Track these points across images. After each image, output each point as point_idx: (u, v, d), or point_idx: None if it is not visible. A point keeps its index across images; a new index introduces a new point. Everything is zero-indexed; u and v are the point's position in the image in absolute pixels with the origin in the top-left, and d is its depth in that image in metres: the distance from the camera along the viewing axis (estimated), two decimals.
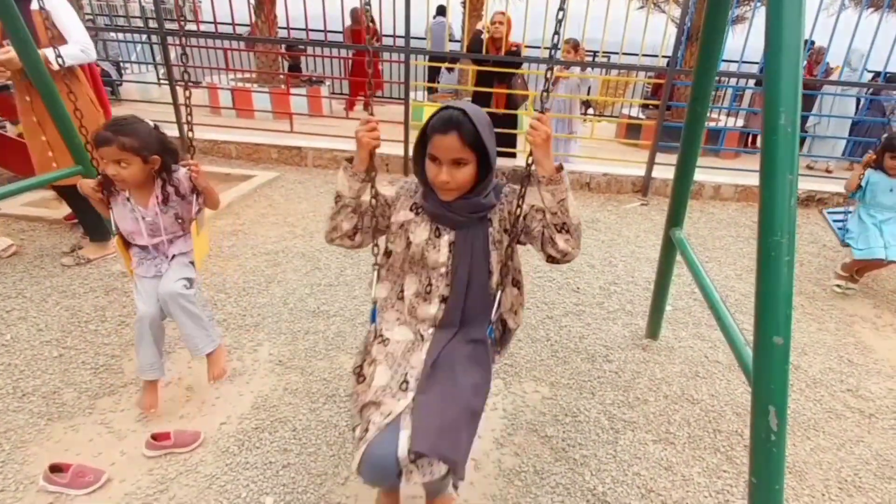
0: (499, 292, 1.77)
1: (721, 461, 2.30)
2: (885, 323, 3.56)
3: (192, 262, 2.38)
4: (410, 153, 5.91)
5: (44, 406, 2.37)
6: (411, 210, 1.77)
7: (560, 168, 1.62)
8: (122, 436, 2.24)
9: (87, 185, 2.23)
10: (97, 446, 2.19)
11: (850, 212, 3.98)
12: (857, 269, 3.87)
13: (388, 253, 1.82)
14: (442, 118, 1.57)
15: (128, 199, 2.22)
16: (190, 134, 2.27)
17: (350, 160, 1.71)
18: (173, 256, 2.34)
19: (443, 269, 1.74)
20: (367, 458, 1.49)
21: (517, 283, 1.83)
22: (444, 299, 1.77)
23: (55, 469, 2.01)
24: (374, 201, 1.76)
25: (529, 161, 1.64)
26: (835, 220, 4.09)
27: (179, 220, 2.33)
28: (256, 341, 2.90)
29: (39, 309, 3.07)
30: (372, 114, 1.72)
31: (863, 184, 3.80)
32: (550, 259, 1.70)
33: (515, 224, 1.71)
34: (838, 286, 3.89)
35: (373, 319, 1.84)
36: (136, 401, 2.43)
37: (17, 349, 2.72)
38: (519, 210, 1.70)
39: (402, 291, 1.82)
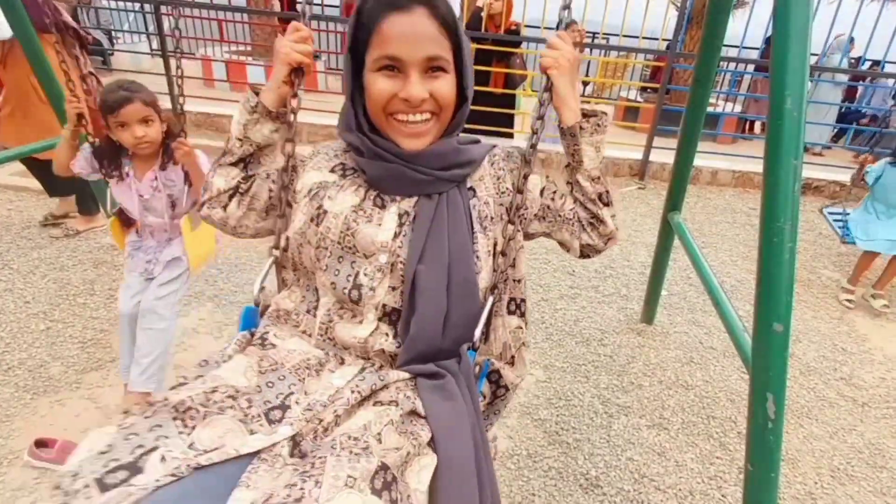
0: (488, 302, 1.09)
1: (714, 447, 2.29)
2: (879, 311, 3.55)
3: (184, 272, 2.16)
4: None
5: (30, 380, 2.32)
6: (333, 171, 1.13)
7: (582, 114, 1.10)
8: (110, 412, 2.19)
9: (77, 105, 2.07)
10: (84, 422, 2.15)
11: (848, 213, 3.91)
12: (878, 282, 3.66)
13: (285, 239, 1.15)
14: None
15: (127, 174, 2.05)
16: (181, 108, 2.11)
17: (258, 91, 1.17)
18: (168, 262, 2.13)
19: (383, 259, 1.03)
20: None
21: (518, 307, 1.17)
22: (386, 313, 1.05)
23: (41, 444, 1.96)
24: (289, 148, 1.15)
25: (544, 98, 1.09)
26: (835, 220, 3.99)
27: (172, 208, 2.12)
28: None
29: (27, 281, 3.01)
30: (307, 23, 1.17)
31: (871, 178, 3.64)
32: (587, 250, 1.17)
33: (517, 210, 1.11)
34: (848, 301, 3.61)
35: (242, 327, 1.19)
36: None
37: (2, 321, 2.67)
38: (522, 186, 1.11)
39: (315, 304, 1.11)
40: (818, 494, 2.12)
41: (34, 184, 4.17)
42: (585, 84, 9.41)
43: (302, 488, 0.73)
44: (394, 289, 1.04)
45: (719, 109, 7.90)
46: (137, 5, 9.43)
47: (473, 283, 1.05)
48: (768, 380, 1.42)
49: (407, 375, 1.01)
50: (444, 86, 0.98)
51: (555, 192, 1.17)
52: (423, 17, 0.93)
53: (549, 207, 1.16)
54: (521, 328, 1.16)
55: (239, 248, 3.55)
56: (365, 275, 1.04)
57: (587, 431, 2.31)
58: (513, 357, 1.16)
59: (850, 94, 7.63)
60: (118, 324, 2.17)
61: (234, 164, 1.18)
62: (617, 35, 7.88)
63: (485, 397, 1.15)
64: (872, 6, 7.25)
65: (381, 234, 1.03)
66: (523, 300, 1.16)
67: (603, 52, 8.39)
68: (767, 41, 7.12)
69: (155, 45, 9.41)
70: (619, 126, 7.74)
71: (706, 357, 2.89)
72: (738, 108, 8.45)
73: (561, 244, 1.20)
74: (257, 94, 1.15)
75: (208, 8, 7.79)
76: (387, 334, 1.04)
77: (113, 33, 9.20)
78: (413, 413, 0.95)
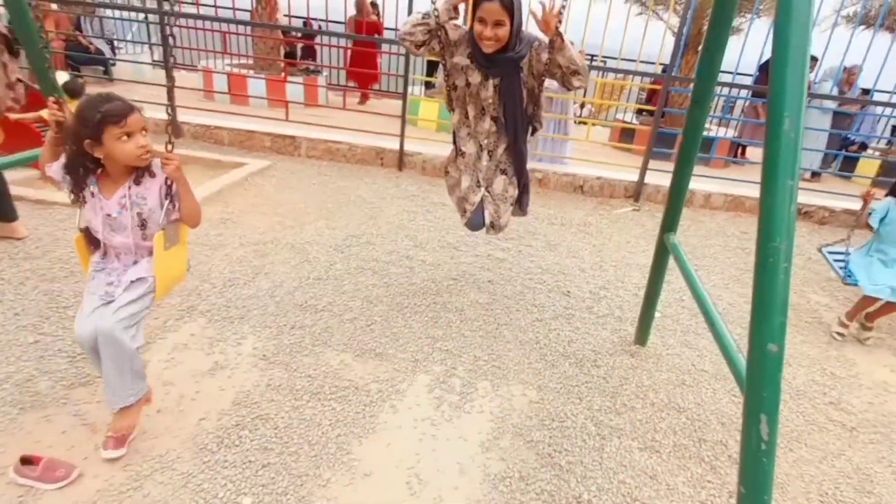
0: (529, 110, 2.75)
1: (706, 471, 2.29)
2: (867, 336, 3.57)
3: (148, 294, 2.04)
4: (406, 148, 5.87)
5: (17, 394, 2.29)
6: (468, 57, 2.64)
7: (560, 36, 2.44)
8: (97, 429, 2.16)
9: (57, 113, 1.97)
10: (70, 439, 2.11)
11: (849, 253, 3.71)
12: (868, 315, 3.52)
13: (453, 87, 2.73)
14: None
15: (92, 193, 1.97)
16: (169, 128, 2.02)
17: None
18: (132, 282, 2.01)
19: (490, 100, 2.68)
20: (468, 224, 2.98)
21: (538, 107, 2.75)
22: (494, 118, 2.73)
23: (26, 461, 1.93)
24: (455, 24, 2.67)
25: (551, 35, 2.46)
26: (836, 260, 3.78)
27: (142, 227, 2.01)
28: (240, 334, 2.84)
29: (17, 292, 2.97)
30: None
31: (875, 220, 3.43)
32: (565, 83, 2.57)
33: (541, 75, 2.61)
34: (839, 334, 3.52)
35: (455, 141, 2.94)
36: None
37: None
38: (544, 65, 2.57)
39: (466, 114, 2.79)
40: None
41: (27, 192, 4.17)
42: (582, 106, 9.52)
43: (499, 210, 2.95)
44: (494, 109, 2.72)
45: (713, 134, 8.00)
46: (141, 15, 9.52)
47: (519, 110, 2.71)
48: (762, 401, 1.42)
49: (504, 146, 2.84)
50: (500, 31, 2.45)
51: (553, 63, 2.53)
52: (496, 4, 2.40)
53: (550, 71, 2.58)
54: (537, 109, 2.77)
55: (233, 263, 3.55)
56: (486, 104, 2.72)
57: (580, 454, 2.30)
58: (539, 119, 2.85)
59: (838, 121, 7.74)
60: None
61: (429, 30, 2.61)
62: (615, 58, 7.99)
63: (514, 194, 2.99)
64: (864, 35, 7.38)
65: (489, 92, 2.67)
66: (540, 104, 2.77)
67: (601, 73, 8.51)
68: (761, 68, 7.23)
69: (157, 55, 9.49)
70: (614, 147, 7.81)
71: (698, 380, 2.90)
72: (731, 133, 8.55)
73: (556, 79, 2.62)
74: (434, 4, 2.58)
75: (210, 20, 7.83)
76: (493, 125, 2.77)
77: (115, 43, 9.22)
78: (512, 175, 2.91)
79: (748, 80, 7.39)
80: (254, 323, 2.95)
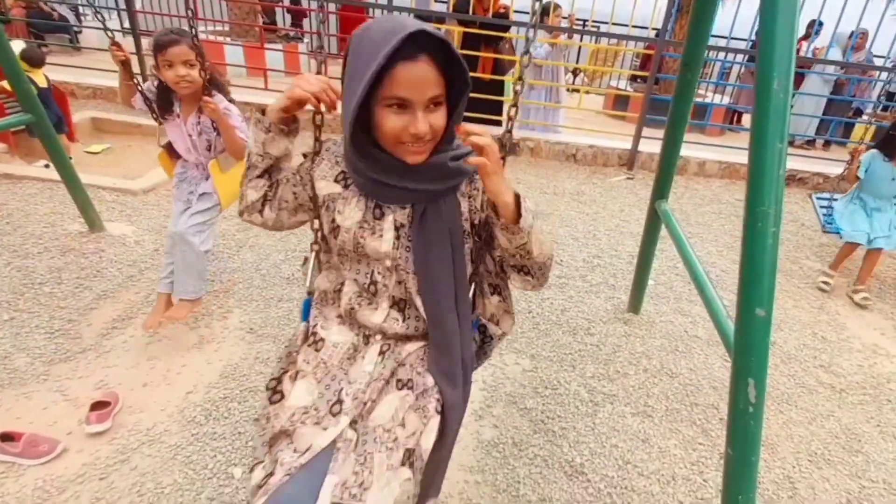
0: (472, 287, 1.43)
1: (697, 434, 2.38)
2: (858, 300, 3.68)
3: (214, 205, 2.61)
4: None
5: None
6: (337, 181, 1.34)
7: (519, 207, 1.21)
8: (80, 404, 2.19)
9: (118, 53, 2.40)
10: (52, 415, 2.15)
11: (836, 198, 4.04)
12: (860, 276, 3.77)
13: (320, 237, 1.42)
14: (397, 34, 1.07)
15: (177, 115, 2.47)
16: (204, 73, 2.35)
17: (263, 111, 1.36)
18: (202, 195, 2.59)
19: (388, 263, 1.33)
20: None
21: (496, 289, 1.47)
22: (395, 302, 1.38)
23: (6, 438, 1.96)
24: (305, 160, 1.40)
25: (512, 114, 1.37)
26: (821, 206, 4.10)
27: (209, 149, 2.54)
28: (226, 308, 2.87)
29: None
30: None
31: (861, 170, 3.76)
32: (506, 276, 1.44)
33: (481, 225, 1.34)
34: (825, 283, 3.79)
35: (305, 317, 1.49)
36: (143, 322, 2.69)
37: None
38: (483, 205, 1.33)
39: (341, 287, 1.42)
40: (796, 478, 2.22)
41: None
42: (575, 73, 9.50)
43: (362, 476, 1.17)
44: (399, 283, 1.36)
45: (708, 100, 8.03)
46: None
47: (460, 279, 1.35)
48: (750, 364, 1.47)
49: (418, 345, 1.40)
50: (440, 118, 1.20)
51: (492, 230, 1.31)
52: (426, 66, 1.13)
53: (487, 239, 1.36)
54: (502, 300, 1.49)
55: (215, 237, 3.55)
56: (378, 273, 1.35)
57: (573, 420, 2.38)
58: (497, 321, 1.52)
59: (838, 89, 7.80)
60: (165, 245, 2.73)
61: (259, 177, 1.42)
62: (606, 23, 7.95)
63: (476, 342, 1.53)
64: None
65: (383, 245, 1.31)
66: (498, 285, 1.47)
67: (593, 39, 8.48)
68: (758, 32, 7.22)
69: (127, 23, 9.28)
70: (608, 115, 7.84)
71: (691, 346, 2.99)
72: (726, 100, 8.60)
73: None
74: (263, 113, 1.36)
75: None
76: (396, 319, 1.38)
77: (80, 10, 9.02)
78: (424, 391, 1.32)
79: (744, 46, 7.41)
80: (239, 297, 2.98)
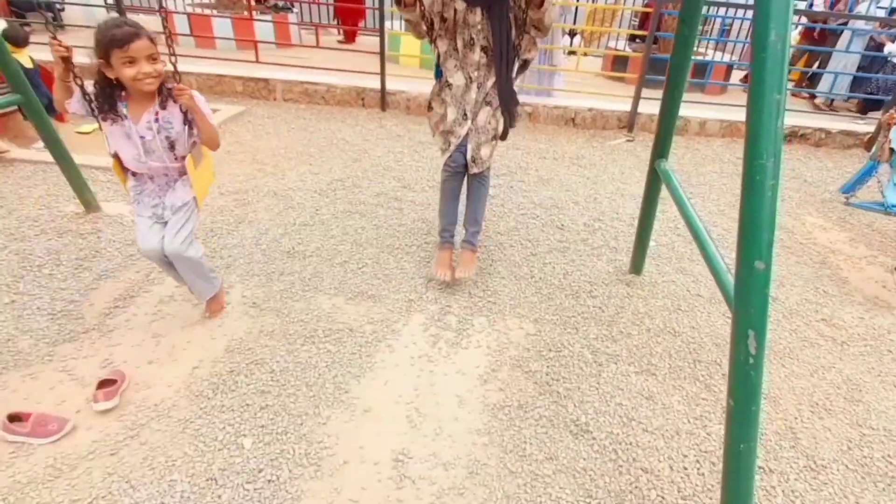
0: (521, 38, 2.74)
1: (700, 389, 2.44)
2: (860, 255, 3.73)
3: (193, 211, 2.42)
4: (388, 87, 5.79)
5: None
6: None
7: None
8: (87, 383, 2.24)
9: (59, 48, 2.10)
10: (59, 394, 2.20)
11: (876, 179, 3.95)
12: None
13: (441, 18, 2.69)
14: None
15: (124, 116, 2.18)
16: (173, 59, 2.21)
17: (398, 2, 2.58)
18: (179, 207, 2.36)
19: (478, 27, 2.66)
20: (450, 160, 2.88)
21: (529, 30, 2.72)
22: (483, 48, 2.71)
23: (14, 418, 2.00)
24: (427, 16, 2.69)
25: None
26: (871, 204, 4.02)
27: (172, 149, 2.27)
28: (228, 283, 2.91)
29: None
30: None
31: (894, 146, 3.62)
32: (520, 35, 2.73)
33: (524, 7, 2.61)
34: None
35: (438, 75, 2.89)
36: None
37: None
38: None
39: (455, 46, 2.76)
40: (798, 429, 2.29)
41: None
42: (573, 34, 9.38)
43: (481, 144, 2.87)
44: (484, 37, 2.68)
45: (708, 58, 7.96)
46: None
47: (509, 36, 2.68)
48: (749, 317, 1.50)
49: (492, 80, 2.79)
50: None
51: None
52: None
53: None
54: (531, 39, 2.77)
55: (214, 213, 3.60)
56: (474, 34, 2.68)
57: (577, 381, 2.44)
58: (529, 49, 2.83)
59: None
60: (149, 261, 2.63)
61: (416, 22, 2.70)
62: None
63: (519, 66, 2.93)
64: None
65: (476, 18, 2.63)
66: (527, 33, 2.76)
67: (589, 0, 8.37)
68: None
69: None
70: (607, 77, 7.78)
71: (693, 305, 3.04)
72: (727, 58, 8.52)
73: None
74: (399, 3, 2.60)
75: None
76: (483, 56, 2.73)
77: None
78: (496, 107, 2.84)
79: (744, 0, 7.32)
80: (241, 272, 3.02)
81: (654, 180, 2.88)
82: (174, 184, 2.37)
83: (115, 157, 2.32)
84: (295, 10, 8.97)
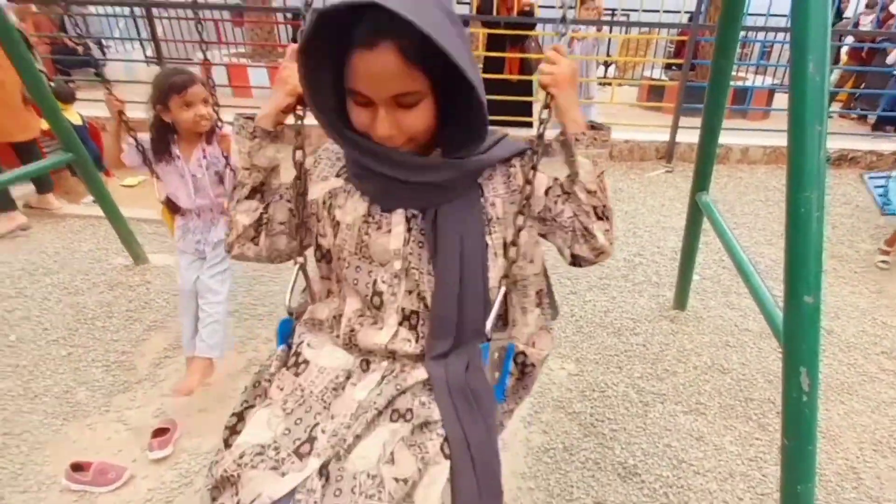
0: (499, 295, 1.21)
1: (753, 429, 2.42)
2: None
3: None
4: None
5: (57, 406, 2.48)
6: (339, 175, 1.24)
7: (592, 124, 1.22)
8: (142, 433, 2.33)
9: (116, 103, 2.41)
10: (116, 444, 2.30)
11: (891, 177, 3.94)
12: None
13: (324, 254, 1.28)
14: (357, 10, 0.94)
15: (177, 157, 2.38)
16: (215, 107, 2.40)
17: (251, 118, 1.26)
18: (216, 243, 2.50)
19: (397, 265, 1.17)
20: None
21: (539, 299, 1.31)
22: (405, 317, 1.20)
23: (76, 468, 2.09)
24: (300, 155, 1.25)
25: (544, 116, 1.23)
26: (876, 186, 4.00)
27: (220, 183, 2.45)
28: (271, 331, 2.97)
29: (42, 307, 3.18)
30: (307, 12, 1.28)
31: None
32: (578, 260, 1.26)
33: (527, 201, 1.20)
34: (883, 262, 3.82)
35: (281, 341, 1.34)
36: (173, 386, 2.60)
37: (23, 350, 2.83)
38: (531, 181, 1.20)
39: (339, 314, 1.25)
40: (860, 468, 2.24)
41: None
42: (607, 65, 9.50)
43: None
44: (410, 293, 1.19)
45: (748, 83, 7.95)
46: (127, 10, 9.67)
47: (482, 283, 1.19)
48: (801, 353, 1.49)
49: (425, 376, 1.17)
50: (416, 118, 1.04)
51: (558, 196, 1.25)
52: (388, 53, 0.95)
53: (549, 209, 1.24)
54: (543, 315, 1.33)
55: None
56: (383, 282, 1.18)
57: (623, 421, 2.45)
58: (533, 342, 1.33)
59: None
60: (179, 301, 2.63)
61: (249, 197, 1.29)
62: (637, 10, 7.95)
63: (513, 375, 1.33)
64: None
65: (392, 241, 1.16)
66: (542, 290, 1.32)
67: (623, 29, 8.48)
68: None
69: (150, 51, 9.64)
70: (643, 107, 7.82)
71: (742, 340, 3.02)
72: (768, 81, 8.49)
73: (557, 248, 1.29)
74: (250, 118, 1.26)
75: (201, 8, 7.91)
76: (408, 339, 1.19)
77: (103, 42, 9.36)
78: (425, 424, 1.10)
79: (784, 23, 7.34)
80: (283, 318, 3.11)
81: (696, 213, 2.90)
82: (218, 220, 2.52)
83: (167, 201, 2.51)
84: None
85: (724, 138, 2.86)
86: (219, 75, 7.93)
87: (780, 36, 7.53)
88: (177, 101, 2.23)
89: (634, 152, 6.13)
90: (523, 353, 1.32)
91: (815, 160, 1.37)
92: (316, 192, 1.25)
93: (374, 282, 1.19)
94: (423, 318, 1.19)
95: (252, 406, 1.18)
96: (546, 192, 1.25)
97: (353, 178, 1.19)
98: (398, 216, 1.16)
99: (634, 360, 2.85)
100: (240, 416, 1.18)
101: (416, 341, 1.20)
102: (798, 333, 1.50)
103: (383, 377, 1.17)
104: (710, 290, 3.51)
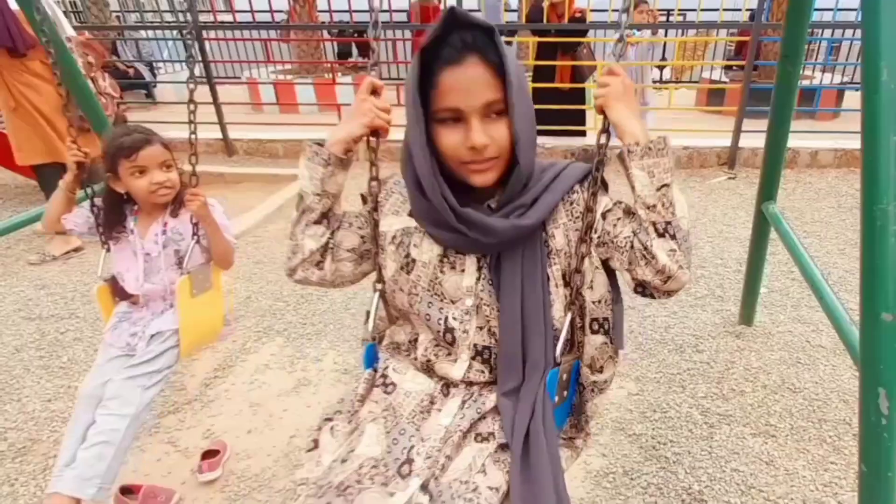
0: (565, 324, 1.27)
1: (828, 452, 2.33)
2: None
3: (169, 350, 1.98)
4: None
5: None
6: (411, 215, 1.31)
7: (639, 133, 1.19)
8: (190, 454, 2.40)
9: (77, 153, 1.94)
10: (165, 466, 2.36)
11: None
12: None
13: (380, 277, 1.37)
14: (442, 37, 1.10)
15: (132, 231, 1.99)
16: (193, 159, 1.97)
17: (321, 143, 1.31)
18: (153, 335, 1.96)
19: (469, 302, 1.26)
20: None
21: (601, 326, 1.30)
22: (478, 352, 1.30)
23: (126, 491, 2.12)
24: (373, 186, 1.34)
25: (602, 140, 1.24)
26: None
27: (178, 266, 2.00)
28: (320, 350, 3.07)
29: (94, 329, 3.28)
30: (377, 35, 1.40)
31: None
32: (641, 286, 1.19)
33: (588, 229, 1.23)
34: None
35: (368, 364, 1.42)
36: None
37: (75, 371, 2.93)
38: (592, 204, 1.22)
39: (416, 337, 1.37)
40: None
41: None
42: (662, 68, 9.37)
43: None
44: (481, 328, 1.28)
45: (816, 82, 7.72)
46: (176, 32, 10.13)
47: (543, 317, 1.25)
48: (879, 373, 1.43)
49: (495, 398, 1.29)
50: (503, 130, 1.14)
51: (618, 219, 1.23)
52: (476, 66, 1.09)
53: (608, 232, 1.22)
54: (607, 343, 1.32)
55: None
56: (454, 318, 1.27)
57: (686, 444, 2.39)
58: (602, 367, 1.35)
59: None
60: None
61: (317, 222, 1.34)
62: (694, 10, 7.83)
63: (570, 410, 1.40)
64: None
65: (465, 279, 1.26)
66: (606, 318, 1.30)
67: (679, 31, 8.36)
68: None
69: (198, 72, 10.05)
70: (703, 111, 7.68)
71: (814, 357, 2.91)
72: (836, 79, 8.22)
73: (621, 274, 1.25)
74: (320, 145, 1.31)
75: (247, 27, 8.19)
76: (481, 371, 1.30)
77: (154, 65, 9.81)
78: (504, 446, 1.23)
79: (852, 16, 7.12)
80: (331, 338, 3.18)
81: (763, 223, 2.83)
82: (166, 312, 2.02)
83: (110, 282, 2.08)
84: (377, 69, 9.50)
85: (792, 141, 2.78)
86: (266, 93, 8.21)
87: (849, 32, 7.30)
88: (127, 168, 1.85)
89: (694, 159, 6.02)
90: (581, 383, 1.37)
91: (890, 170, 1.32)
92: (386, 225, 1.33)
93: (446, 318, 1.27)
94: (494, 353, 1.29)
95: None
96: (604, 216, 1.25)
97: (430, 227, 1.26)
98: (471, 258, 1.26)
99: (698, 378, 2.78)
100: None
101: (490, 372, 1.31)
102: (875, 352, 1.44)
103: (463, 402, 1.29)
104: (779, 303, 3.40)
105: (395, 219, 1.33)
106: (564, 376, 1.30)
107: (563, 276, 1.27)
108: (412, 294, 1.29)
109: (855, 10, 7.18)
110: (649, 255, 1.15)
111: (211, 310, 2.08)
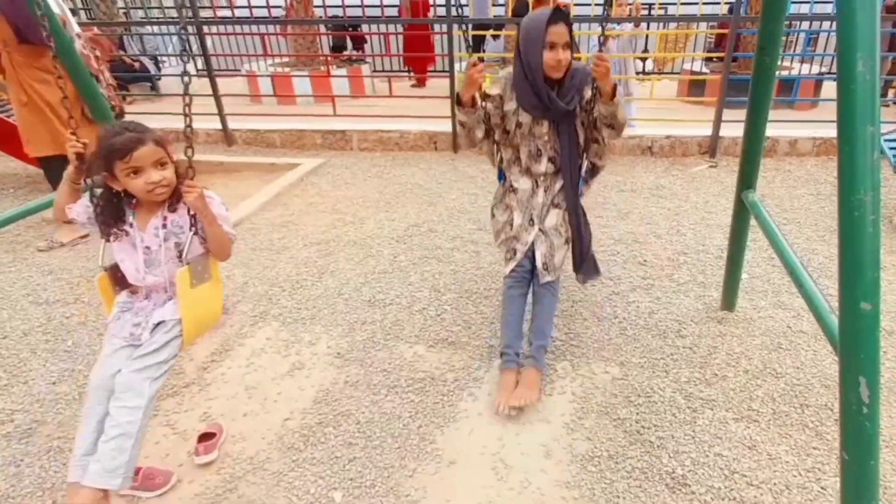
0: (588, 146, 2.67)
1: (810, 437, 2.26)
2: None
3: (174, 339, 1.93)
4: (458, 131, 5.94)
5: None
6: (512, 100, 2.61)
7: (615, 91, 2.36)
8: (188, 436, 2.34)
9: (76, 144, 1.88)
10: (164, 448, 2.30)
11: None
12: None
13: (505, 132, 2.67)
14: (545, 15, 2.38)
15: (131, 225, 1.92)
16: (189, 152, 1.89)
17: (459, 102, 2.48)
18: (157, 325, 1.92)
19: (545, 138, 2.61)
20: (515, 270, 2.66)
21: (596, 140, 2.62)
22: (550, 159, 2.65)
23: None
24: (489, 117, 2.59)
25: (595, 85, 2.39)
26: (891, 147, 3.77)
27: (179, 258, 1.93)
28: (314, 334, 3.00)
29: (98, 313, 3.22)
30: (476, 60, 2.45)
31: None
32: (594, 123, 2.52)
33: (591, 107, 2.49)
34: None
35: (501, 178, 2.80)
36: None
37: (79, 354, 2.87)
38: (593, 97, 2.46)
39: (518, 154, 2.70)
40: None
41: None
42: (644, 60, 9.26)
43: (551, 249, 2.64)
44: (551, 148, 2.63)
45: (794, 73, 7.62)
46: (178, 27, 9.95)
47: (577, 143, 2.63)
48: (859, 362, 1.39)
49: (560, 183, 2.67)
50: (566, 55, 2.42)
51: (592, 107, 2.48)
52: (563, 27, 2.39)
53: (593, 109, 2.47)
54: (600, 144, 2.64)
55: (298, 265, 3.73)
56: (539, 145, 2.62)
57: (670, 428, 2.32)
58: (600, 155, 2.73)
59: None
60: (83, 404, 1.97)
61: (476, 124, 2.56)
62: (675, 3, 7.72)
63: (587, 177, 2.86)
64: None
65: (543, 129, 2.59)
66: (597, 139, 2.61)
67: (661, 24, 8.24)
68: None
69: (200, 65, 9.93)
70: (684, 102, 7.59)
71: (796, 342, 2.84)
72: (815, 70, 8.12)
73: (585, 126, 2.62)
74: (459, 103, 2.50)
75: (245, 22, 8.10)
76: (551, 167, 2.67)
77: (158, 58, 9.71)
78: (566, 210, 2.66)
79: (829, 8, 7.00)
80: (325, 322, 3.10)
81: (742, 211, 2.75)
82: (168, 302, 1.97)
83: (110, 270, 2.04)
84: (367, 62, 9.38)
85: (771, 130, 2.70)
86: (264, 85, 8.11)
87: (827, 24, 7.19)
88: (122, 168, 1.77)
89: (676, 148, 5.93)
90: (593, 163, 2.80)
91: (867, 162, 1.28)
92: (510, 105, 2.60)
93: (536, 145, 2.62)
94: (557, 159, 2.64)
95: (497, 207, 2.80)
96: (591, 103, 2.48)
97: (528, 106, 2.54)
98: (545, 121, 2.57)
99: (681, 363, 2.71)
100: (493, 208, 2.84)
101: (556, 168, 2.67)
102: (855, 342, 1.40)
103: (545, 189, 2.68)
104: (760, 289, 3.33)
105: (511, 104, 2.59)
106: (584, 169, 2.75)
107: (582, 124, 2.59)
108: (522, 137, 2.63)
109: (831, 1, 7.07)
110: (598, 130, 2.54)
111: (211, 299, 2.02)
